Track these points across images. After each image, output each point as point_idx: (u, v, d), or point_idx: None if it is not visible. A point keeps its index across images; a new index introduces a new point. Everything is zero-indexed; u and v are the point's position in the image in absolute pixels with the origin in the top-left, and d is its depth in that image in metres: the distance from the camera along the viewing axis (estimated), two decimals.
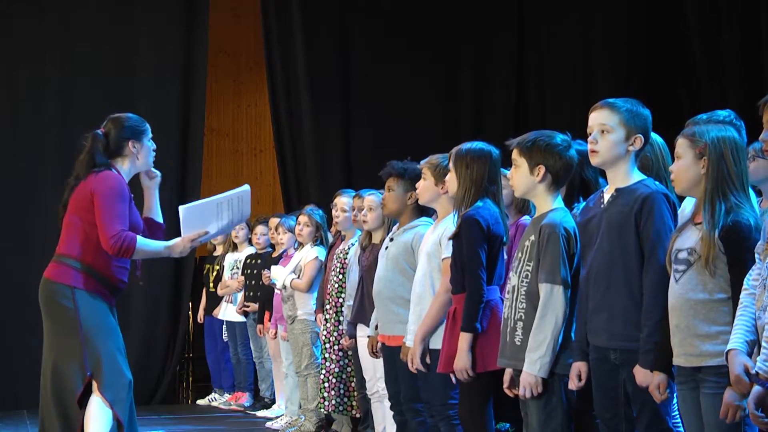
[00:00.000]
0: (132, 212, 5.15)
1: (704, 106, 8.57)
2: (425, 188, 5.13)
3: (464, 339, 4.55)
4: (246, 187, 5.19)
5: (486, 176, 4.66)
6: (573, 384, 3.93)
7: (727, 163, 3.48)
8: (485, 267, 4.60)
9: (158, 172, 5.45)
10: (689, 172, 3.54)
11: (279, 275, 7.70)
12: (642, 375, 3.68)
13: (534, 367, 3.92)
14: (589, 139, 3.87)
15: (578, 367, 3.92)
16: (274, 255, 8.58)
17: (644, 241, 3.71)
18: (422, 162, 5.21)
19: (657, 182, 3.86)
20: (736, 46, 9.11)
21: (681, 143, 3.58)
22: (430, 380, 4.88)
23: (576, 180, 4.57)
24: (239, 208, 5.12)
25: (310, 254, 7.61)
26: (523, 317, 4.02)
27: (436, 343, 4.87)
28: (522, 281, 4.05)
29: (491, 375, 4.57)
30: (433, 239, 5.08)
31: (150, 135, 5.27)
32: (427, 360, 4.89)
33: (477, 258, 4.59)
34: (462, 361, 4.54)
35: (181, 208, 5.12)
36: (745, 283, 3.34)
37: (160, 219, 5.55)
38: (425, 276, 5.07)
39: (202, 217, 5.10)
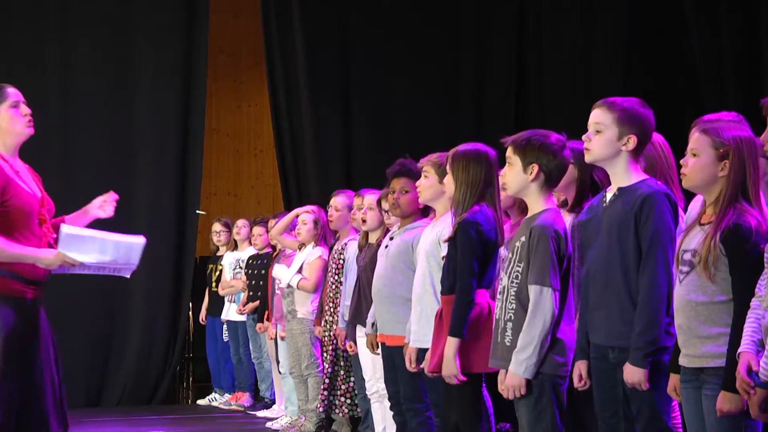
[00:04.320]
0: (10, 193, 4.56)
1: (704, 107, 8.59)
2: (428, 186, 5.12)
3: (451, 344, 4.56)
4: (140, 240, 4.79)
5: (482, 178, 4.66)
6: (576, 384, 3.94)
7: (747, 167, 3.45)
8: (477, 274, 4.61)
9: (106, 212, 4.98)
10: (705, 171, 3.50)
11: (282, 274, 7.70)
12: (629, 372, 3.68)
13: (520, 368, 3.93)
14: (584, 136, 3.89)
15: (578, 367, 3.92)
16: (276, 255, 8.57)
17: (642, 240, 3.70)
18: (423, 160, 5.20)
19: (660, 183, 3.84)
20: (736, 46, 9.10)
21: (700, 139, 3.52)
22: (437, 381, 4.88)
23: (587, 179, 4.58)
24: (126, 256, 4.71)
25: (313, 254, 7.60)
26: (512, 318, 4.02)
27: (426, 343, 4.89)
28: (512, 282, 4.05)
29: (480, 376, 4.59)
30: (432, 238, 5.08)
31: (11, 100, 4.76)
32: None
33: (469, 266, 4.60)
34: (450, 368, 4.56)
35: (63, 228, 4.58)
36: (757, 286, 3.33)
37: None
38: (425, 275, 5.07)
39: (83, 247, 4.62)
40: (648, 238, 3.69)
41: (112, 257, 4.64)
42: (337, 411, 6.99)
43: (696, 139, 3.53)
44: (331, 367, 6.95)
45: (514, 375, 3.94)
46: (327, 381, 6.97)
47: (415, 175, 5.42)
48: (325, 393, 6.97)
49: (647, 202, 3.71)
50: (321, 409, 7.02)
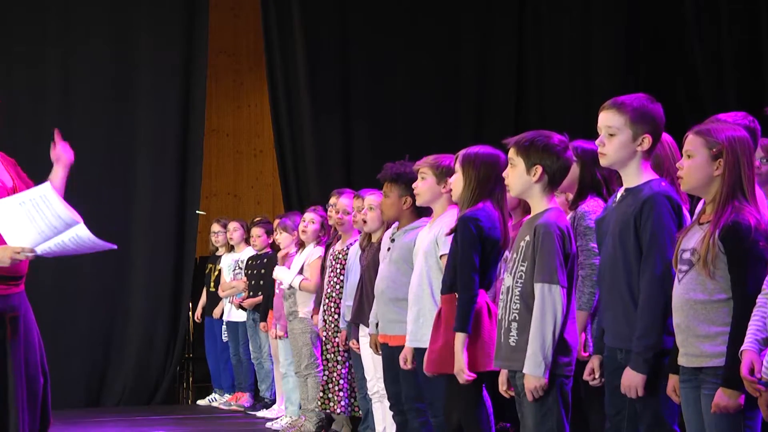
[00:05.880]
0: None
1: (704, 107, 8.59)
2: (426, 188, 5.14)
3: (458, 339, 4.57)
4: (44, 185, 4.37)
5: (493, 179, 4.67)
6: (585, 376, 3.97)
7: (741, 166, 3.46)
8: (478, 269, 4.62)
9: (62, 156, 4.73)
10: (701, 171, 3.50)
11: (283, 276, 7.70)
12: (626, 376, 3.69)
13: (539, 369, 3.90)
14: (597, 141, 3.86)
15: (592, 361, 3.95)
16: (280, 255, 8.56)
17: (642, 242, 3.70)
18: (419, 162, 5.21)
19: (665, 183, 3.82)
20: (736, 46, 9.10)
21: (693, 141, 3.52)
22: (433, 381, 4.89)
23: (587, 179, 4.58)
24: (52, 213, 4.30)
25: (313, 254, 7.60)
26: (517, 318, 4.01)
27: (423, 342, 4.89)
28: (516, 282, 4.04)
29: (480, 375, 4.60)
30: (430, 238, 5.09)
31: None
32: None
33: (470, 260, 4.61)
34: (460, 363, 4.56)
35: None
36: (765, 283, 3.33)
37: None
38: (422, 275, 5.08)
39: (11, 220, 4.32)
40: (647, 241, 3.68)
41: (47, 225, 4.30)
42: (357, 410, 6.99)
43: (690, 140, 3.54)
44: (340, 368, 6.95)
45: (534, 377, 3.91)
46: (342, 382, 6.97)
47: (393, 179, 5.47)
48: (341, 393, 6.96)
49: (647, 205, 3.70)
50: (339, 410, 7.01)
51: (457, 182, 4.75)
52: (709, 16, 9.24)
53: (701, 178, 3.51)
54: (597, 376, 3.96)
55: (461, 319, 4.58)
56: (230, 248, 9.73)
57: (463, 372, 4.55)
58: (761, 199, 3.62)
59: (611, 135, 3.80)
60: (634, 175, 3.81)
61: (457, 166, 4.76)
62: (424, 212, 5.44)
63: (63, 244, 4.38)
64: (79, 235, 4.37)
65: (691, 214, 3.98)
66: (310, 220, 7.68)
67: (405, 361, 5.12)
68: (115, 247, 4.44)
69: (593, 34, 10.44)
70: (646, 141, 3.79)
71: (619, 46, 10.33)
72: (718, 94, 9.13)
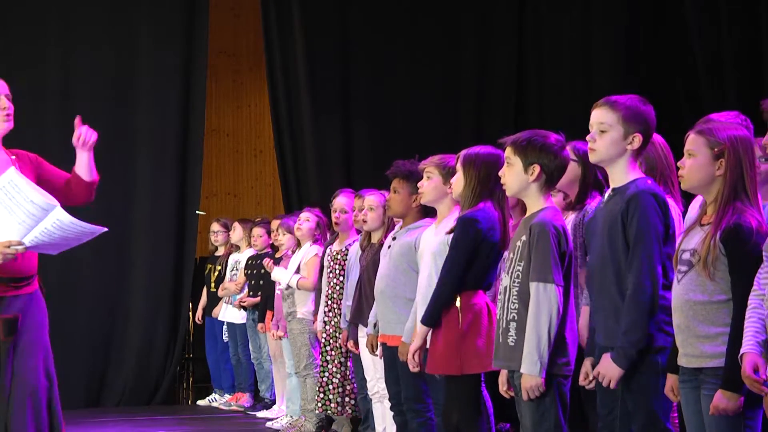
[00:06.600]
0: None
1: (704, 106, 8.59)
2: (432, 187, 5.13)
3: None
4: (9, 171, 4.36)
5: (493, 179, 4.67)
6: (581, 381, 3.95)
7: (743, 166, 3.46)
8: (465, 271, 4.65)
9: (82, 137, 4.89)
10: (702, 171, 3.50)
11: (280, 276, 7.71)
12: (604, 365, 3.70)
13: (535, 368, 3.90)
14: (588, 137, 3.86)
15: (585, 364, 3.94)
16: (278, 255, 8.57)
17: (629, 240, 3.71)
18: (425, 161, 5.21)
19: (651, 181, 3.82)
20: (736, 47, 9.10)
21: (695, 140, 3.52)
22: (436, 380, 4.90)
23: (590, 178, 4.58)
24: (24, 198, 4.24)
25: (309, 252, 7.61)
26: (515, 318, 4.01)
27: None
28: (514, 282, 4.04)
29: (479, 376, 4.63)
30: (438, 239, 5.08)
31: None
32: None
33: (459, 262, 4.65)
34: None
35: None
36: (755, 283, 3.33)
37: (87, 177, 5.00)
38: (431, 276, 5.06)
39: None
40: (633, 239, 3.69)
41: (24, 213, 4.27)
42: (353, 408, 7.00)
43: (692, 140, 3.54)
44: (338, 369, 6.94)
45: (530, 377, 3.91)
46: (336, 382, 6.97)
47: (405, 176, 5.47)
48: (335, 394, 6.96)
49: (632, 203, 3.70)
50: (333, 411, 7.01)
51: (458, 182, 4.76)
52: (709, 16, 9.23)
53: (703, 178, 3.51)
54: (591, 379, 3.94)
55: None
56: (231, 248, 9.73)
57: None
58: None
59: (602, 132, 3.81)
60: (622, 174, 3.81)
61: (458, 166, 4.76)
62: (430, 212, 5.44)
63: (48, 232, 4.34)
64: (60, 219, 4.34)
65: (684, 215, 3.99)
66: (305, 218, 7.71)
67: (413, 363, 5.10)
68: (106, 229, 4.43)
69: (593, 34, 10.43)
70: (637, 140, 3.79)
71: (619, 46, 10.33)
72: (718, 94, 9.13)
